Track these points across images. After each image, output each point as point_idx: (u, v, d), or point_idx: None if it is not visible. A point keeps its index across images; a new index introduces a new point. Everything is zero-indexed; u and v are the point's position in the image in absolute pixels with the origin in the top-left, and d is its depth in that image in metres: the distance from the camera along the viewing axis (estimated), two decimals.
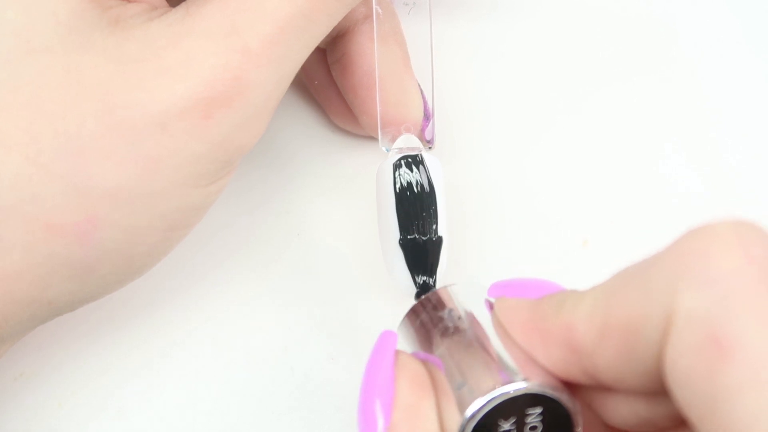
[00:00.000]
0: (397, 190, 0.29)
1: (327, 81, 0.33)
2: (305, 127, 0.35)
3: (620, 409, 0.21)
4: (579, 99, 0.36)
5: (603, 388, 0.21)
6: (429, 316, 0.25)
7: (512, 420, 0.21)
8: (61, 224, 0.24)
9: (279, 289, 0.32)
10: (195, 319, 0.31)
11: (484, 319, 0.24)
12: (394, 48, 0.31)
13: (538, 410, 0.21)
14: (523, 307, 0.22)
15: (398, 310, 0.31)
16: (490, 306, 0.24)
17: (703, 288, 0.18)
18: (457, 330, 0.24)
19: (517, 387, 0.21)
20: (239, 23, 0.24)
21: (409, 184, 0.29)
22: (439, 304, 0.25)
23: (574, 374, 0.21)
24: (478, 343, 0.23)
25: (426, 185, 0.29)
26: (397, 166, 0.29)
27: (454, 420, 0.21)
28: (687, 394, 0.18)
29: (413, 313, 0.25)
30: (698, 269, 0.18)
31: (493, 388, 0.21)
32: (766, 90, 0.36)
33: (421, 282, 0.28)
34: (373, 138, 0.33)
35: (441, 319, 0.24)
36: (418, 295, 0.28)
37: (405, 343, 0.25)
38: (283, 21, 0.25)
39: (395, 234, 0.28)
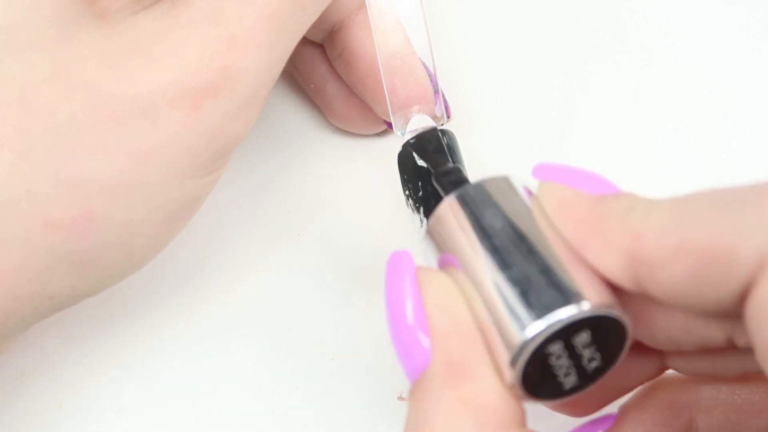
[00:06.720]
0: (417, 167, 0.29)
1: (323, 83, 0.33)
2: (306, 128, 0.35)
3: (660, 321, 0.20)
4: (586, 74, 0.36)
5: (647, 299, 0.20)
6: (460, 218, 0.22)
7: (561, 342, 0.20)
8: (58, 219, 0.24)
9: (279, 288, 0.32)
10: (195, 318, 0.31)
11: (526, 217, 0.21)
12: (393, 32, 0.30)
13: (587, 333, 0.20)
14: (580, 202, 0.21)
15: None
16: (529, 193, 0.22)
17: None
18: (494, 233, 0.21)
19: (582, 310, 0.19)
20: (225, 12, 0.24)
21: (428, 159, 0.29)
22: (472, 204, 0.22)
23: (624, 281, 0.20)
24: (526, 250, 0.20)
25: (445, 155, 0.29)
26: (412, 146, 0.29)
27: (511, 334, 0.20)
28: None
29: (442, 215, 0.22)
30: None
31: (551, 311, 0.19)
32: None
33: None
34: (371, 137, 0.34)
35: (476, 220, 0.22)
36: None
37: (431, 254, 0.23)
38: (270, 8, 0.25)
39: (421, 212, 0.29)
